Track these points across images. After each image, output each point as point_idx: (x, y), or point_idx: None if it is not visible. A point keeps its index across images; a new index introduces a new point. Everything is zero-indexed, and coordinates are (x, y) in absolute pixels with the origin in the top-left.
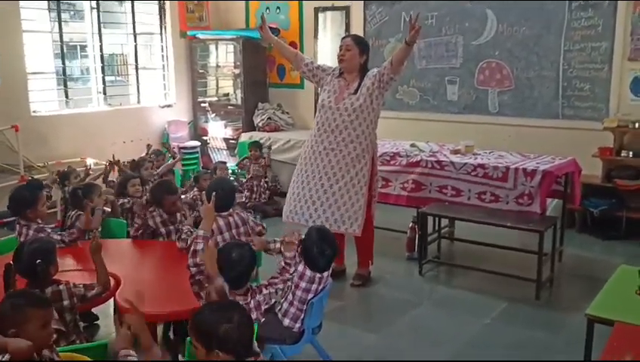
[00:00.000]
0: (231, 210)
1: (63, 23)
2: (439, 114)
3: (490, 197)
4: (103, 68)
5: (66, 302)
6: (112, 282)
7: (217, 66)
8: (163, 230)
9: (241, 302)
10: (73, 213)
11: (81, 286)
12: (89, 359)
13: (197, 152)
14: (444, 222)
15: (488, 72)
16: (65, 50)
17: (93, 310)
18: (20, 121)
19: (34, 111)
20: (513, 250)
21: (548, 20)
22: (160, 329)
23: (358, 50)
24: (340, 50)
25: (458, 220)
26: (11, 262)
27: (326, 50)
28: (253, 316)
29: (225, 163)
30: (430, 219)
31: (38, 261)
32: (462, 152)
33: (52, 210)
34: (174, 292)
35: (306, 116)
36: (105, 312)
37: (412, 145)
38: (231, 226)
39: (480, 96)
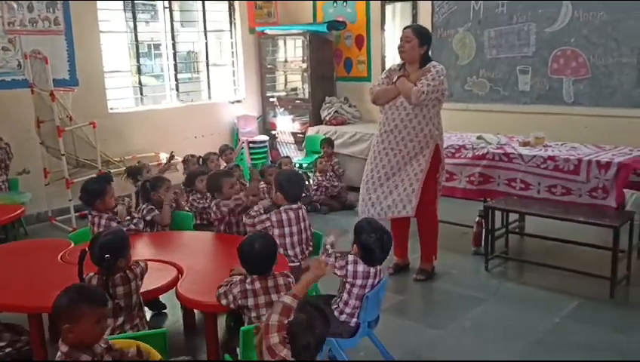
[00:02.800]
0: (299, 203)
1: (138, 23)
2: (510, 105)
3: (562, 190)
4: (175, 65)
5: (133, 284)
6: (175, 272)
7: (285, 61)
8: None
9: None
10: (144, 206)
11: (140, 262)
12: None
13: (266, 146)
14: (513, 216)
15: (563, 60)
16: (140, 50)
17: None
18: (98, 117)
19: (111, 109)
20: (587, 246)
21: (628, 4)
22: (222, 319)
23: (418, 41)
24: (400, 41)
25: (526, 214)
26: (87, 249)
27: (393, 42)
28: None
29: (289, 158)
30: (498, 214)
31: (107, 256)
32: (531, 144)
33: None
34: None
35: (373, 109)
36: (172, 302)
37: (479, 138)
38: (299, 219)
39: (554, 85)
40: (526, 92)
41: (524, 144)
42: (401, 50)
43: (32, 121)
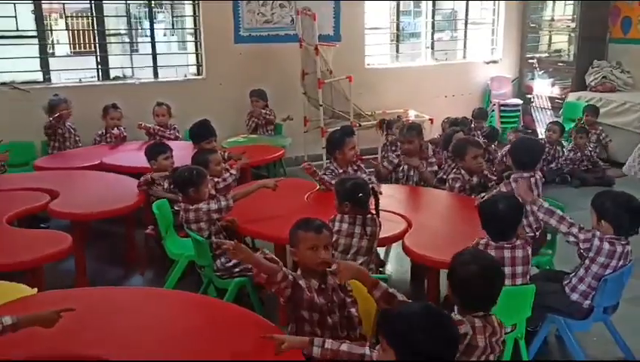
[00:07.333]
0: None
1: None
2: None
3: None
4: (433, 23)
5: (378, 229)
6: (404, 225)
7: (552, 20)
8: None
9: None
10: None
11: None
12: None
13: (518, 110)
14: None
15: None
16: (401, 8)
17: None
18: (355, 72)
19: (367, 64)
20: None
21: None
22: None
23: None
24: None
25: None
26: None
27: None
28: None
29: (560, 125)
30: None
31: (360, 195)
32: None
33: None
34: (460, 241)
35: None
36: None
37: None
38: (537, 186)
39: None
40: None
41: None
42: None
43: (298, 72)
